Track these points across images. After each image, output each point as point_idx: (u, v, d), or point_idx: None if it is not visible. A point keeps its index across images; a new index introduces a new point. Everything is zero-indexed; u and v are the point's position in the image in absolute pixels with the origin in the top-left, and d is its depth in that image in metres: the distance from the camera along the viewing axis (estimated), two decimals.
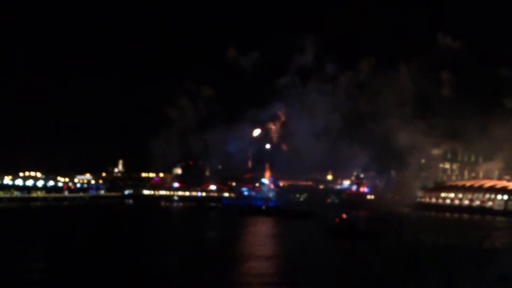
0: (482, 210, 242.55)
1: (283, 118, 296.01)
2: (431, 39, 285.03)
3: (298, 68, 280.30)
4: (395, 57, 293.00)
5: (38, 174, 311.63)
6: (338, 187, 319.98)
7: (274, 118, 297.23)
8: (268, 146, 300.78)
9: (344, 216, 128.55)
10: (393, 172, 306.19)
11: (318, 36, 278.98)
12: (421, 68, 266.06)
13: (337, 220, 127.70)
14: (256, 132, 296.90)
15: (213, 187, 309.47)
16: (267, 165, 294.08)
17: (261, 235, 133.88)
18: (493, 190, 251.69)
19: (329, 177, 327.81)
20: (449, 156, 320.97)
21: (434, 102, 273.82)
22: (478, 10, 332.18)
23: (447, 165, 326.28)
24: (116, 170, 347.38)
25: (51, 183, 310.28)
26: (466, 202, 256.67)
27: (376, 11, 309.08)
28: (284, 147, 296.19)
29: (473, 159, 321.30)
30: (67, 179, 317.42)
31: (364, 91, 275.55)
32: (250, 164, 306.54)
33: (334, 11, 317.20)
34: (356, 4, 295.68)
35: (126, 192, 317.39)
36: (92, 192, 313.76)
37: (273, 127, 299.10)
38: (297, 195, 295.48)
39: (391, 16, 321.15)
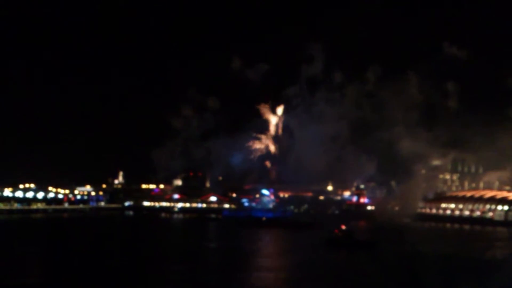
0: (483, 220, 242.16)
1: (285, 128, 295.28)
2: (437, 48, 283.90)
3: (304, 78, 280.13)
4: (400, 66, 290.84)
5: (38, 186, 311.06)
6: (339, 198, 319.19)
7: (277, 129, 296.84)
8: (270, 157, 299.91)
9: (343, 227, 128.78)
10: (393, 183, 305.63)
11: (324, 45, 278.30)
12: (426, 77, 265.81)
13: (336, 231, 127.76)
14: (259, 141, 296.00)
15: (213, 198, 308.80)
16: (269, 176, 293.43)
17: (261, 246, 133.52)
18: (494, 200, 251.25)
19: (329, 188, 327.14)
20: (449, 166, 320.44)
21: (438, 111, 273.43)
22: (485, 19, 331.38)
23: (448, 176, 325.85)
24: (116, 181, 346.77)
25: (51, 194, 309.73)
26: (467, 212, 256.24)
27: (382, 20, 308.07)
28: (286, 157, 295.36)
29: (473, 169, 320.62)
30: (67, 191, 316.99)
31: (369, 101, 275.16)
32: (252, 175, 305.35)
33: (340, 20, 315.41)
34: (362, 14, 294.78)
35: (127, 203, 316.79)
36: (92, 204, 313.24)
37: (274, 137, 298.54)
38: (291, 207, 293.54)
39: (397, 25, 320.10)
